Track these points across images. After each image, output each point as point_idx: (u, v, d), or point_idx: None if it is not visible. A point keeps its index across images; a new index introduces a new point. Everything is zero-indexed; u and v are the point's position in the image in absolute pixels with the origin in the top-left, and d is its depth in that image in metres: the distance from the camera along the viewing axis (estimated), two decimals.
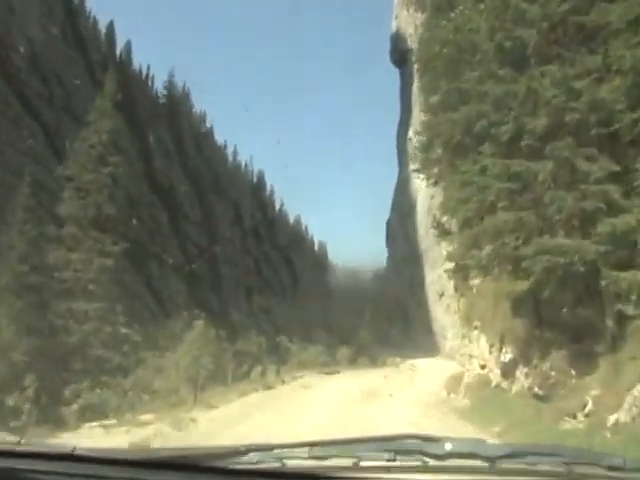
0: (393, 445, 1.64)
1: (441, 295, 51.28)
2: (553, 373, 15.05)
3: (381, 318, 64.73)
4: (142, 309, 36.56)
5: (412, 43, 58.87)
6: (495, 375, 19.43)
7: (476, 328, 22.86)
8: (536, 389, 15.53)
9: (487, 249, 16.17)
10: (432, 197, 52.13)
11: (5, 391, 19.98)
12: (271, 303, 64.77)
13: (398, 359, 47.08)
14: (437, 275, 51.35)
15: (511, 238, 14.89)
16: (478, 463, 1.53)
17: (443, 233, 24.09)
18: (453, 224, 22.57)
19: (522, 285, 14.90)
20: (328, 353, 51.00)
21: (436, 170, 23.46)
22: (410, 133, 60.81)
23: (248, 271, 66.91)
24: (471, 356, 23.50)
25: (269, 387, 29.88)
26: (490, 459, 1.52)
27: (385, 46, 76.72)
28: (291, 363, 45.07)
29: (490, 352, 20.44)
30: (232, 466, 1.60)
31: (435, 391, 24.83)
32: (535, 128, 14.45)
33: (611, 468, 1.54)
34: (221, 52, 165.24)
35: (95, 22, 58.15)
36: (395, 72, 74.30)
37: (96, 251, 30.03)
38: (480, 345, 21.94)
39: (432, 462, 1.54)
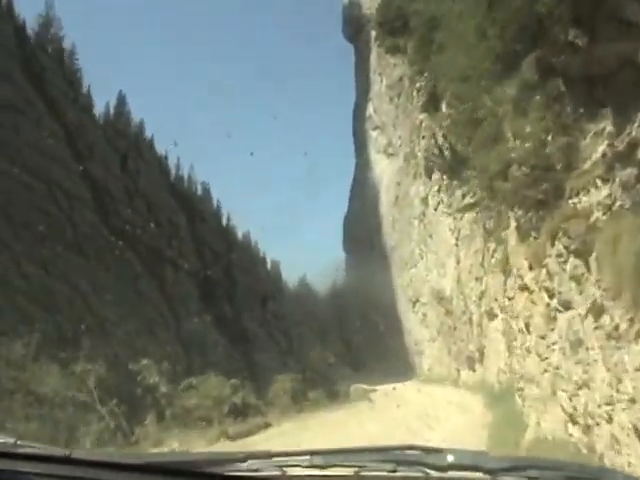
0: (395, 455, 1.64)
1: (415, 302, 43.79)
2: None
3: (340, 336, 56.61)
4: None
5: (370, 9, 51.30)
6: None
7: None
8: None
9: None
10: (399, 183, 44.75)
11: None
12: None
13: (364, 387, 35.37)
14: (409, 278, 43.87)
15: None
16: (479, 476, 1.52)
17: None
18: None
19: None
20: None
21: None
22: (370, 110, 53.12)
23: None
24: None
25: None
26: (491, 472, 1.51)
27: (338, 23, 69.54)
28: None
29: None
30: (230, 473, 1.57)
31: None
32: None
33: None
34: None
35: None
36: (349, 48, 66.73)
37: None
38: None
39: (433, 474, 1.52)
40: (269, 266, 66.57)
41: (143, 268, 36.05)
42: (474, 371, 34.18)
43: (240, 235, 61.58)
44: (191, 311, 40.16)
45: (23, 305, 23.18)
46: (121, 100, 49.21)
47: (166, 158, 52.41)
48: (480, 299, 32.61)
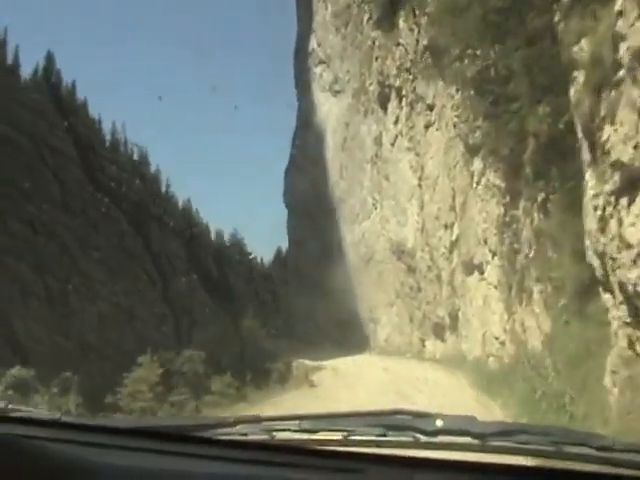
0: (384, 420, 1.63)
1: (368, 261, 37.08)
2: None
3: (282, 304, 48.86)
4: None
5: None
6: None
7: None
8: None
9: None
10: (347, 124, 37.60)
11: None
12: None
13: (307, 364, 27.08)
14: (361, 232, 37.10)
15: None
16: (469, 440, 1.52)
17: None
18: None
19: None
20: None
21: None
22: (313, 43, 45.60)
23: None
24: None
25: None
26: (481, 436, 1.51)
27: None
28: None
29: None
30: (219, 437, 1.57)
31: None
32: None
33: (600, 448, 1.51)
34: None
35: None
36: None
37: None
38: None
39: (423, 438, 1.52)
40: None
41: (129, 226, 36.09)
42: (443, 341, 27.84)
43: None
44: (177, 270, 39.90)
45: (12, 265, 23.42)
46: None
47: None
48: (451, 251, 26.12)
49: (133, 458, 1.49)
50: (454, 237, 25.95)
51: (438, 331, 28.21)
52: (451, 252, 26.27)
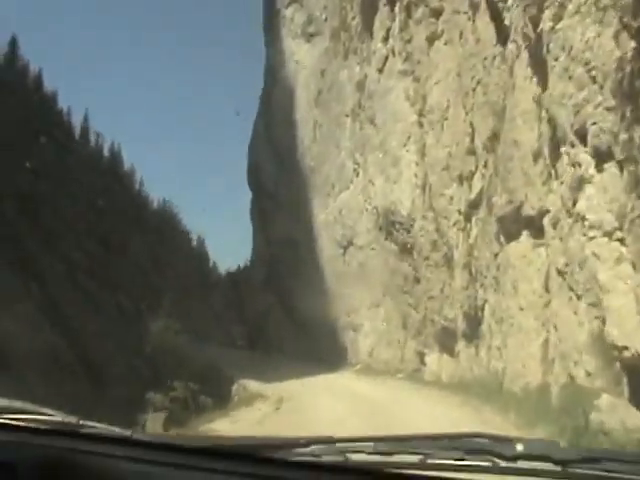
0: (462, 443, 1.57)
1: (346, 247, 27.72)
2: None
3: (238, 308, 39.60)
4: None
5: None
6: None
7: None
8: None
9: None
10: (323, 72, 28.43)
11: None
12: None
13: (250, 390, 18.71)
14: (337, 209, 27.80)
15: None
16: (550, 466, 1.44)
17: None
18: None
19: None
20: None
21: None
22: None
23: None
24: None
25: None
26: (563, 462, 1.43)
27: None
28: None
29: None
30: (293, 458, 1.52)
31: None
32: None
33: None
34: None
35: None
36: None
37: None
38: None
39: (502, 463, 1.45)
40: None
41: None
42: (453, 355, 18.46)
43: None
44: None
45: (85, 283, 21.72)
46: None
47: None
48: (468, 217, 16.95)
49: (204, 478, 1.50)
50: (474, 194, 16.68)
51: (445, 340, 18.84)
52: (468, 218, 16.98)
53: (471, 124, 17.23)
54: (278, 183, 35.50)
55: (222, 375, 22.26)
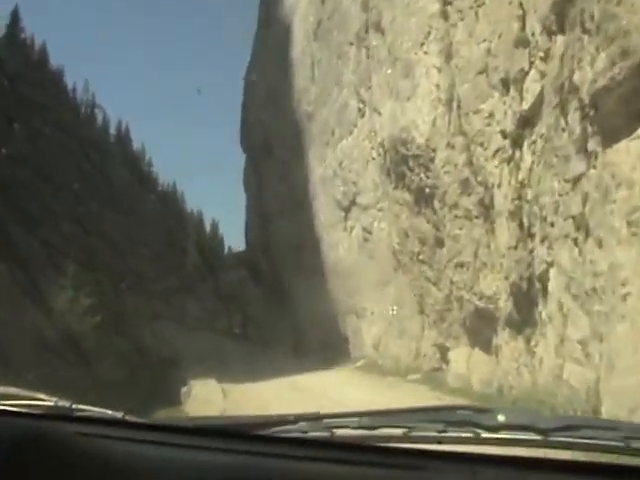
0: (444, 415, 1.59)
1: (347, 210, 21.93)
2: None
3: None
4: None
5: None
6: None
7: None
8: None
9: None
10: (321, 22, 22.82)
11: None
12: None
13: (216, 394, 13.42)
14: (337, 161, 22.03)
15: None
16: (531, 436, 1.46)
17: None
18: None
19: None
20: None
21: None
22: None
23: None
24: None
25: None
26: (544, 432, 1.44)
27: None
28: None
29: None
30: (280, 434, 1.54)
31: None
32: None
33: None
34: None
35: None
36: None
37: None
38: None
39: (484, 434, 1.47)
40: None
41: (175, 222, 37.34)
42: (489, 351, 12.65)
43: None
44: (226, 264, 39.55)
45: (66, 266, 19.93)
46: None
47: None
48: (518, 141, 11.11)
49: (196, 456, 1.50)
50: (528, 102, 10.80)
51: (479, 329, 13.05)
52: (518, 143, 11.14)
53: (520, 3, 11.42)
54: (272, 138, 29.62)
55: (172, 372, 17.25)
